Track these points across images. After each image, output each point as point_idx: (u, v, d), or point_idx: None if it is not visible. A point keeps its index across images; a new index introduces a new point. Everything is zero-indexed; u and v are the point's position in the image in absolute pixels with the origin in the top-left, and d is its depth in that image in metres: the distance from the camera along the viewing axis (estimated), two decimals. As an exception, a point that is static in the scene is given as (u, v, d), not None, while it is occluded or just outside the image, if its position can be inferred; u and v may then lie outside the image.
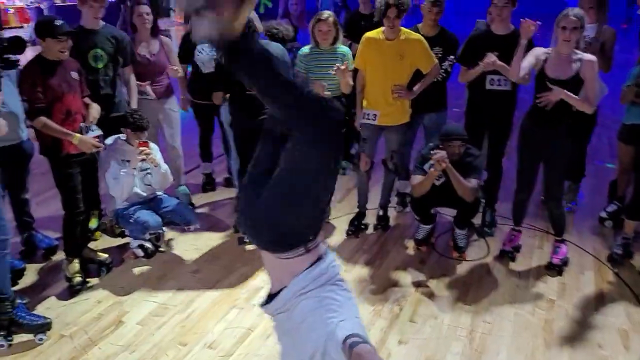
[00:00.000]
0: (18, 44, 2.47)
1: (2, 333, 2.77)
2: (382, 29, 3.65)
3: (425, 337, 2.89)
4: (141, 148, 3.43)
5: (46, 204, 4.29)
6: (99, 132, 3.29)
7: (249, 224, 1.58)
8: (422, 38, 3.66)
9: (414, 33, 3.69)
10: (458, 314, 3.08)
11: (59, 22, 3.03)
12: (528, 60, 3.27)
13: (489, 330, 2.94)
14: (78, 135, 3.13)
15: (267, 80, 1.36)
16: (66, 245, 3.38)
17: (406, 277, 3.47)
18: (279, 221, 1.48)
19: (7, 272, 2.74)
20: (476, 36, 3.83)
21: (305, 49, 3.86)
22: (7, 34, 6.81)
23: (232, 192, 4.70)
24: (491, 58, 3.46)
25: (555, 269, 3.49)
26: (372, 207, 4.13)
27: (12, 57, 2.47)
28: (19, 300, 2.85)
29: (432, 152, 3.40)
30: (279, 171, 1.46)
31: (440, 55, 3.83)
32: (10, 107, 3.19)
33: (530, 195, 3.64)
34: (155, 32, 4.12)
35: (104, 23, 3.74)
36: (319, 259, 1.55)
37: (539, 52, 3.29)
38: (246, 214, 1.57)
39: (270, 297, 1.62)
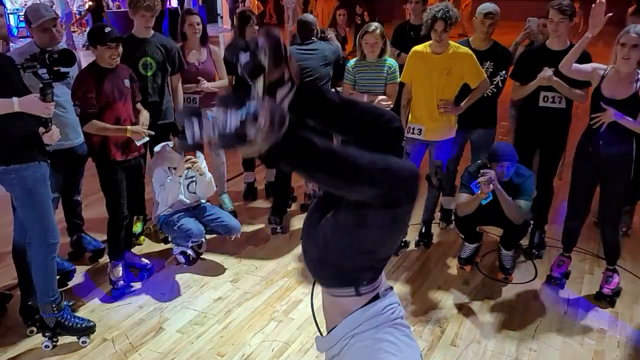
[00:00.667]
0: (67, 57, 2.55)
1: (47, 334, 2.85)
2: (429, 42, 3.58)
3: (467, 363, 2.79)
4: (188, 157, 3.48)
5: (95, 206, 4.40)
6: (146, 139, 3.37)
7: (307, 251, 1.53)
8: (471, 52, 3.57)
9: (462, 47, 3.60)
10: (502, 340, 2.97)
11: (108, 30, 3.11)
12: (585, 66, 3.16)
13: (534, 359, 2.82)
14: (129, 126, 3.21)
15: (325, 170, 1.26)
16: (110, 249, 3.46)
17: (448, 298, 3.37)
18: (333, 262, 1.42)
19: (54, 274, 2.82)
20: (530, 51, 3.72)
21: (352, 61, 3.84)
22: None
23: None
24: (547, 72, 3.34)
25: (606, 299, 3.31)
26: (414, 222, 4.05)
27: (63, 69, 2.54)
28: (64, 303, 2.92)
29: (481, 171, 3.31)
30: (344, 216, 1.37)
31: (491, 70, 3.73)
32: (68, 112, 3.29)
33: (583, 221, 3.47)
34: (204, 40, 4.18)
35: (154, 32, 3.83)
36: (376, 298, 1.45)
37: (598, 66, 3.15)
38: (309, 244, 1.52)
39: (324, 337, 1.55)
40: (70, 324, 2.86)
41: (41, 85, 2.49)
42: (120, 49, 3.20)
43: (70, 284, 3.48)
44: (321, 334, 1.57)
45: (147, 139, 3.36)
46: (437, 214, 4.23)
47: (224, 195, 4.51)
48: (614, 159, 3.14)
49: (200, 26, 4.09)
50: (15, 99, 2.46)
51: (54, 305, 2.81)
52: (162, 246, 3.98)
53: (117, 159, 3.25)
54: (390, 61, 3.79)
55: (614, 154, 3.13)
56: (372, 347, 1.38)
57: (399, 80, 3.75)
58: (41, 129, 2.59)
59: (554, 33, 3.46)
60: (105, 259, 3.72)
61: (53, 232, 2.71)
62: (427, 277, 3.60)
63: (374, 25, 3.72)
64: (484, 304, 3.32)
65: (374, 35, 3.66)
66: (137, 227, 3.95)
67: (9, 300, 3.21)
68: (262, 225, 4.33)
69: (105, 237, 3.55)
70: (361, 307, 1.43)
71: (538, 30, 3.96)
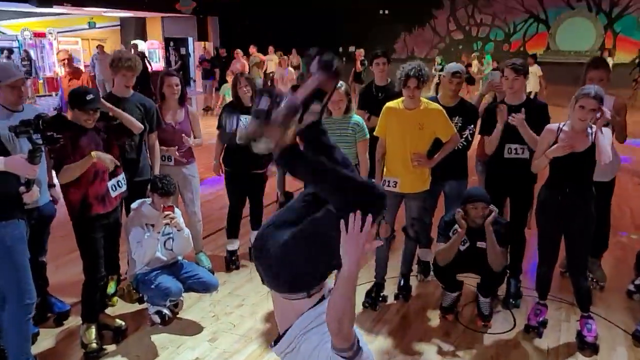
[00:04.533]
0: (60, 122, 2.61)
1: (23, 400, 2.70)
2: (402, 99, 3.75)
3: (453, 416, 2.75)
4: (166, 212, 3.46)
5: (64, 268, 4.28)
6: (123, 188, 3.37)
7: (265, 263, 1.74)
8: (442, 108, 3.74)
9: (433, 103, 3.77)
10: (486, 391, 2.95)
11: (89, 97, 3.12)
12: (544, 140, 3.32)
13: (520, 409, 2.80)
14: (94, 153, 3.14)
15: (319, 177, 1.70)
16: (84, 310, 3.34)
17: (430, 350, 3.35)
18: (294, 266, 1.65)
19: (30, 336, 2.72)
20: (492, 108, 3.92)
21: None
22: (39, 102, 7.18)
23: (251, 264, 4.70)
24: (519, 116, 3.51)
25: (591, 347, 3.32)
26: (392, 275, 4.07)
27: (55, 135, 2.59)
28: (37, 367, 2.78)
29: (455, 214, 3.42)
30: (309, 225, 1.66)
31: (460, 124, 3.90)
32: (38, 173, 3.26)
33: (553, 267, 3.56)
34: (182, 101, 4.27)
35: (133, 91, 3.90)
36: (323, 297, 1.72)
37: (550, 129, 3.31)
38: (265, 253, 1.73)
39: (279, 339, 1.76)
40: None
41: (31, 148, 2.51)
42: (97, 114, 3.22)
43: (38, 347, 3.31)
44: None
45: (123, 188, 3.34)
46: (415, 267, 4.27)
47: (201, 254, 4.46)
48: (575, 208, 3.27)
49: (179, 87, 4.19)
50: (1, 158, 2.48)
51: (28, 370, 2.68)
52: (135, 306, 3.85)
53: (98, 212, 3.20)
54: (356, 118, 3.87)
55: (575, 203, 3.26)
56: (321, 339, 1.62)
57: (368, 136, 3.87)
58: (22, 189, 2.58)
59: (510, 90, 3.69)
60: (70, 321, 3.58)
61: (30, 292, 2.65)
62: (408, 330, 3.58)
63: (339, 82, 3.80)
64: (465, 354, 3.30)
65: (338, 92, 3.72)
66: (111, 288, 3.83)
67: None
68: (238, 283, 4.27)
69: (72, 299, 3.42)
70: (312, 306, 1.70)
71: (501, 83, 4.18)
